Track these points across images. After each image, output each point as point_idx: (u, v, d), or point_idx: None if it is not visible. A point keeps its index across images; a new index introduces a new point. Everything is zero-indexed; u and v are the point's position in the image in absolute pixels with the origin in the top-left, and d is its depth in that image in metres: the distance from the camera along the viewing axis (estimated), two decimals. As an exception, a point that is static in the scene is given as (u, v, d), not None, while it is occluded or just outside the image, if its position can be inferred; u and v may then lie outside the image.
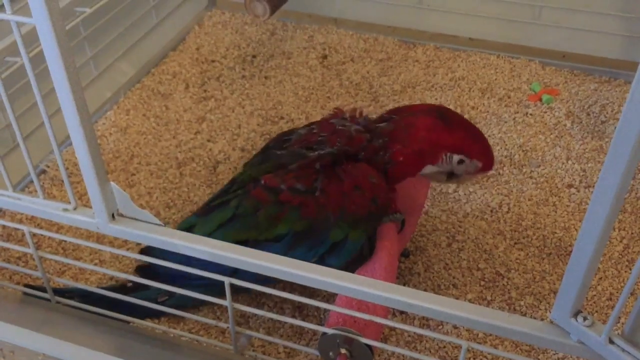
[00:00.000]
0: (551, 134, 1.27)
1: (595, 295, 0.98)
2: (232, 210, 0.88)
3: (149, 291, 0.89)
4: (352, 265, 0.86)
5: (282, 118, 1.32)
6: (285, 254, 0.77)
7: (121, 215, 0.72)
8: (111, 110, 1.33)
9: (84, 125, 0.63)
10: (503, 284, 1.00)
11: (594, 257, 0.55)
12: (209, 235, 0.84)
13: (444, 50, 1.53)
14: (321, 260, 0.85)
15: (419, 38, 1.56)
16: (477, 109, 1.34)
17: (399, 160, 0.87)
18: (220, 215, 0.88)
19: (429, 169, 0.88)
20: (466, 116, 1.31)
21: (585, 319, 0.59)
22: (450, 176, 0.91)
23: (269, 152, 0.95)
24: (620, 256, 1.04)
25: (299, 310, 0.96)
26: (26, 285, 0.92)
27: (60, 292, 0.91)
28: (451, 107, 1.33)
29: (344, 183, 0.85)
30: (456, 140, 0.85)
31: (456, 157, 0.86)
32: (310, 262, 0.78)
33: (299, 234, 0.85)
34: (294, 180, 0.86)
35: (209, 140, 1.26)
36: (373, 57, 1.50)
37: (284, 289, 0.81)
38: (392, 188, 0.91)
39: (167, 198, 1.14)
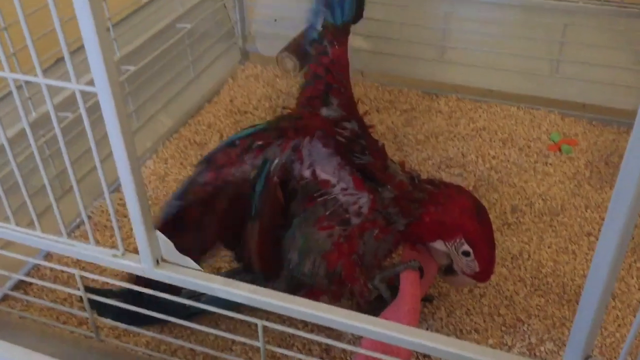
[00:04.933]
0: (570, 183, 1.31)
1: (613, 341, 1.01)
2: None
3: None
4: (374, 311, 0.91)
5: (310, 167, 1.39)
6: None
7: (165, 261, 0.79)
8: (150, 159, 1.41)
9: (135, 179, 0.70)
10: (524, 330, 1.03)
11: (600, 304, 0.59)
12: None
13: (466, 101, 1.59)
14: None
15: (442, 89, 1.63)
16: (498, 158, 1.39)
17: (424, 220, 0.93)
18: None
19: (439, 244, 0.94)
20: (487, 165, 1.37)
21: (595, 363, 0.63)
22: (448, 270, 0.97)
23: None
24: (639, 303, 1.07)
25: (327, 352, 1.00)
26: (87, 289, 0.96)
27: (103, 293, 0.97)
28: (472, 156, 1.39)
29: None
30: (475, 232, 0.92)
31: (465, 247, 0.92)
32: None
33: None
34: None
35: (241, 188, 1.33)
36: (397, 108, 1.57)
37: (311, 331, 0.86)
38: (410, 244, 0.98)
39: (202, 243, 1.20)
